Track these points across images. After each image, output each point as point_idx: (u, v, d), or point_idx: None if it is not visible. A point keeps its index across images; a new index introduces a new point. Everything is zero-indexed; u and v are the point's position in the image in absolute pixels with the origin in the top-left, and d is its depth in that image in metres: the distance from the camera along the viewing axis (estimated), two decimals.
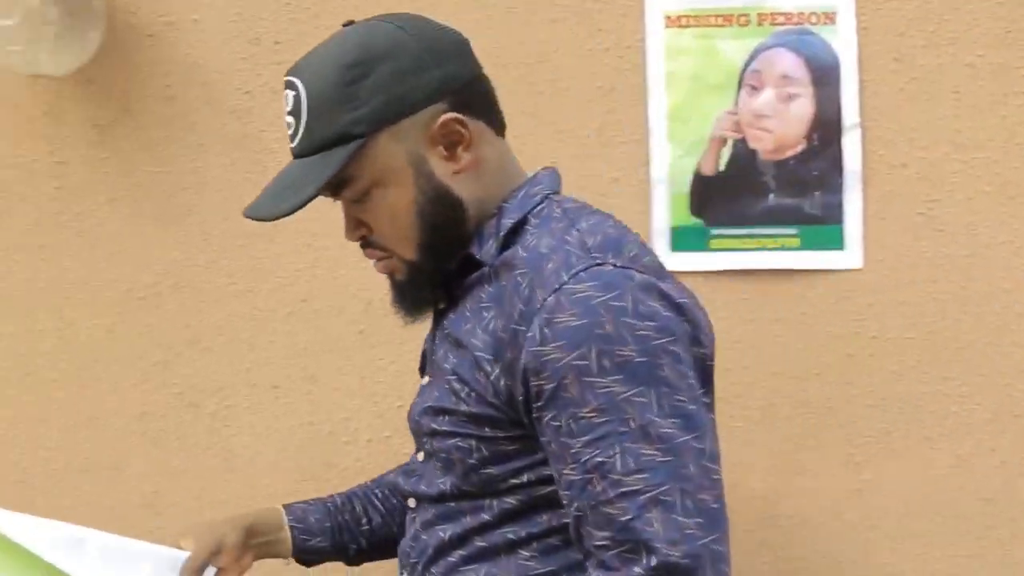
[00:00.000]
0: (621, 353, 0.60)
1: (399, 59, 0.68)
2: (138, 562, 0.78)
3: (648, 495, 0.58)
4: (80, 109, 1.19)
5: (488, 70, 0.77)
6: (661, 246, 1.09)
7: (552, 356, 0.60)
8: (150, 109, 1.18)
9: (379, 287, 1.08)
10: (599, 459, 0.59)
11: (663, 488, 0.59)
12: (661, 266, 0.69)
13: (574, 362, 0.60)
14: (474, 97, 0.72)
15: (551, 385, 0.60)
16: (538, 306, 0.62)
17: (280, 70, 1.13)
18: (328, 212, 0.84)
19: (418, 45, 0.69)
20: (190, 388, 1.18)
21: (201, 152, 1.16)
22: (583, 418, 0.60)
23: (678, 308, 0.64)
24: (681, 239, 1.09)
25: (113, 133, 1.19)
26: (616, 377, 0.60)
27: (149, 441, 1.19)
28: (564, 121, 1.12)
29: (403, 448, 1.13)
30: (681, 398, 0.61)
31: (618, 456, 0.59)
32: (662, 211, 1.10)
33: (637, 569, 0.59)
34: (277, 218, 0.73)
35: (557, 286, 0.62)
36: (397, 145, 0.69)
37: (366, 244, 0.75)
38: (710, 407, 0.66)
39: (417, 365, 0.87)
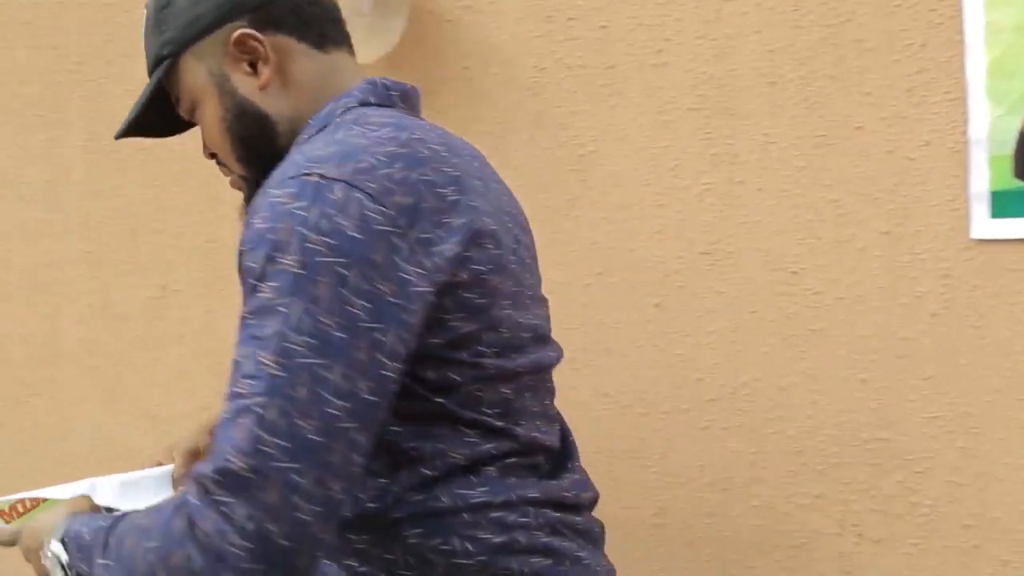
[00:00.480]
0: (282, 261, 0.73)
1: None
2: (143, 489, 1.01)
3: (245, 402, 0.71)
4: None
5: (784, 32, 1.10)
6: (980, 212, 1.33)
7: (241, 257, 0.77)
8: (449, 91, 1.61)
9: (676, 259, 1.46)
10: (236, 359, 0.74)
11: (260, 400, 0.71)
12: (408, 157, 0.81)
13: (248, 263, 0.76)
14: (278, 12, 0.91)
15: (243, 286, 0.77)
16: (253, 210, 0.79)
17: (574, 46, 1.53)
18: (619, 186, 1.20)
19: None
20: None
21: (500, 129, 1.58)
22: (243, 318, 0.75)
23: (374, 234, 0.74)
24: (1003, 204, 1.31)
25: None
26: (272, 284, 0.73)
27: None
28: (871, 83, 1.39)
29: (699, 421, 1.49)
30: (327, 321, 0.72)
31: (245, 359, 0.73)
32: (981, 174, 1.33)
33: (202, 469, 0.72)
34: (118, 138, 1.02)
35: (265, 191, 0.79)
36: (199, 64, 0.92)
37: (218, 163, 0.98)
38: (381, 345, 0.74)
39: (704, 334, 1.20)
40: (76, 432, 1.95)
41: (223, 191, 1.72)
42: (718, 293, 1.47)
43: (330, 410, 0.72)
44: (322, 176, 0.77)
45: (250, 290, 0.76)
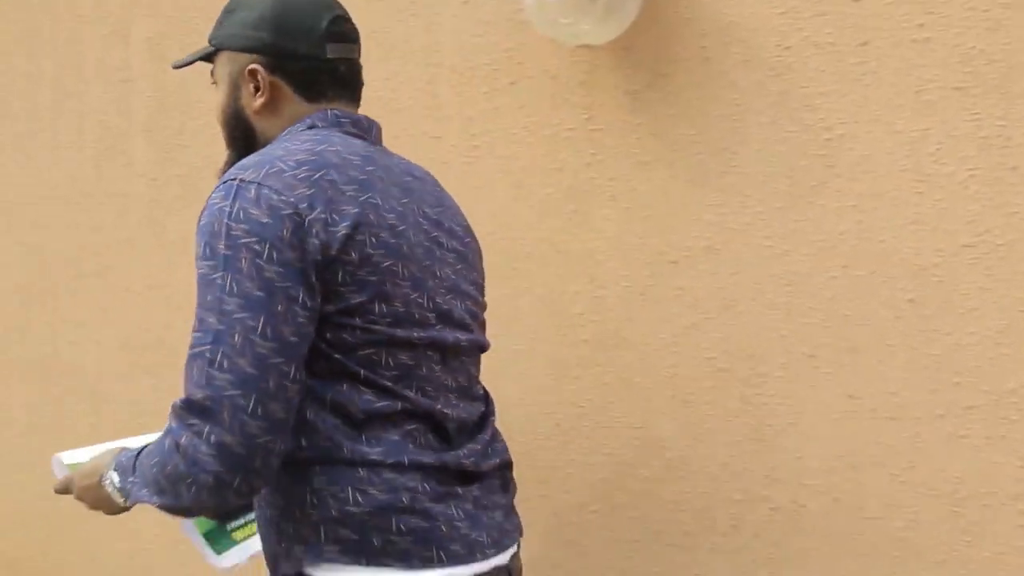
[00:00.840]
0: (216, 246, 1.02)
1: (250, 14, 1.20)
2: None
3: (197, 350, 1.01)
4: (614, 76, 1.60)
5: None
6: None
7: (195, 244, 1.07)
8: (684, 71, 1.54)
9: (934, 252, 1.33)
10: (193, 322, 1.03)
11: (208, 347, 1.00)
12: (313, 168, 1.07)
13: (196, 249, 1.05)
14: (289, 67, 1.20)
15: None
16: None
17: (823, 22, 1.43)
18: (870, 172, 1.10)
19: (271, 13, 1.19)
20: (721, 353, 1.53)
21: (739, 111, 1.49)
22: (197, 292, 1.04)
23: (280, 218, 1.03)
24: None
25: (646, 98, 1.58)
26: (210, 263, 1.02)
27: (678, 403, 1.58)
28: None
29: (956, 429, 1.37)
30: (249, 285, 1.00)
31: (196, 321, 1.02)
32: None
33: (175, 402, 1.03)
34: (174, 67, 1.37)
35: (211, 194, 1.08)
36: (228, 64, 1.23)
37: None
38: (292, 295, 1.02)
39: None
40: None
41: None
42: (983, 290, 1.35)
43: (260, 350, 1.00)
44: (242, 180, 1.06)
45: (198, 269, 1.05)
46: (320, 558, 1.07)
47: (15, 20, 2.55)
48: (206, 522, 1.29)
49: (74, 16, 2.39)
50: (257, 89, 1.22)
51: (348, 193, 1.09)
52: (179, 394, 1.04)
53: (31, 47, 2.52)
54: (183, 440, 1.01)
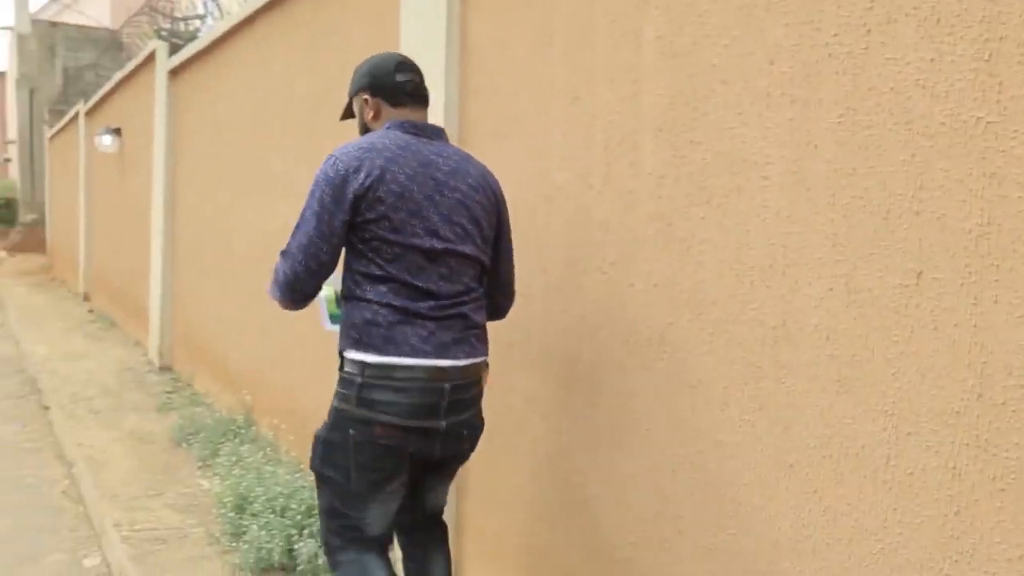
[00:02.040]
0: (314, 183, 2.18)
1: (359, 71, 2.39)
2: None
3: (294, 229, 2.20)
4: None
5: None
6: None
7: None
8: None
9: None
10: None
11: (296, 229, 2.18)
12: (365, 150, 2.17)
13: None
14: (380, 90, 2.33)
15: None
16: None
17: None
18: None
19: (366, 68, 2.36)
20: None
21: None
22: None
23: (336, 171, 2.14)
24: None
25: None
26: (310, 190, 2.18)
27: None
28: None
29: None
30: (316, 205, 2.15)
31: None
32: None
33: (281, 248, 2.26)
34: (341, 120, 2.62)
35: None
36: (356, 102, 2.41)
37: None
38: (334, 214, 2.14)
39: None
40: (802, 420, 1.89)
41: (1005, 167, 1.51)
42: None
43: (311, 236, 2.15)
44: (331, 154, 2.19)
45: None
46: (346, 346, 2.23)
47: (525, 29, 2.73)
48: (333, 307, 2.42)
49: (586, 21, 2.50)
50: (369, 110, 2.40)
51: (377, 163, 2.17)
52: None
53: (545, 54, 2.67)
54: (276, 267, 2.26)
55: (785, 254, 1.94)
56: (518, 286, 2.58)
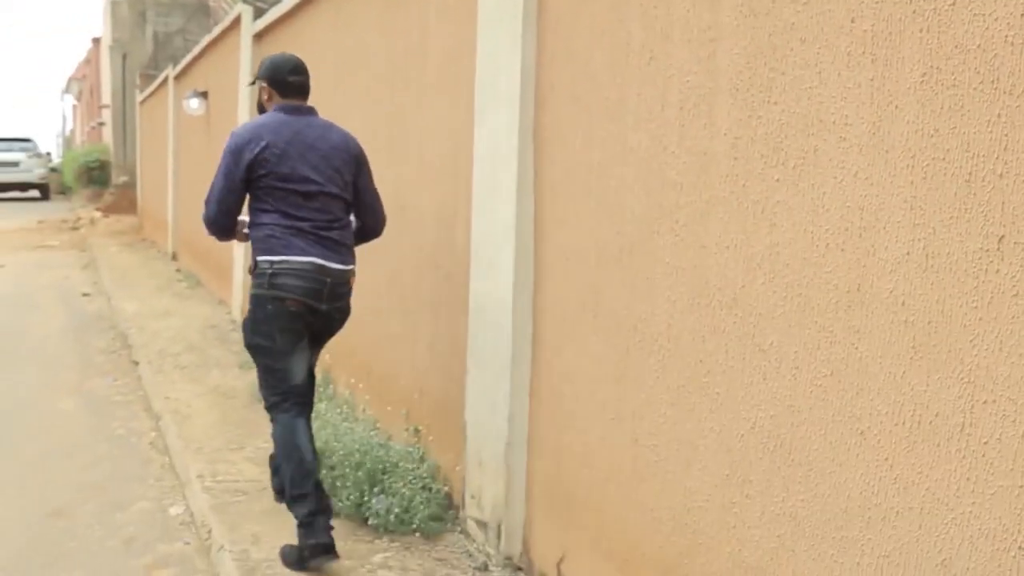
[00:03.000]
0: (223, 154, 3.40)
1: (264, 64, 3.57)
2: None
3: (211, 185, 3.46)
4: None
5: None
6: None
7: None
8: None
9: None
10: None
11: (213, 186, 3.45)
12: (255, 128, 3.38)
13: None
14: (276, 83, 3.50)
15: None
16: None
17: None
18: None
19: (271, 62, 3.56)
20: None
21: None
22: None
23: (236, 144, 3.34)
24: None
25: None
26: (221, 158, 3.41)
27: None
28: None
29: None
30: (222, 168, 3.38)
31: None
32: None
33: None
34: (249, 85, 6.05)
35: None
36: (259, 84, 3.58)
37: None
38: (235, 174, 3.36)
39: None
40: (874, 386, 1.86)
41: None
42: None
43: (221, 191, 3.40)
44: (233, 132, 3.45)
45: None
46: (257, 255, 3.34)
47: None
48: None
49: None
50: (265, 94, 3.52)
51: (264, 136, 3.29)
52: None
53: (622, 14, 2.65)
54: (203, 213, 3.52)
55: (862, 217, 1.90)
56: (591, 247, 2.67)
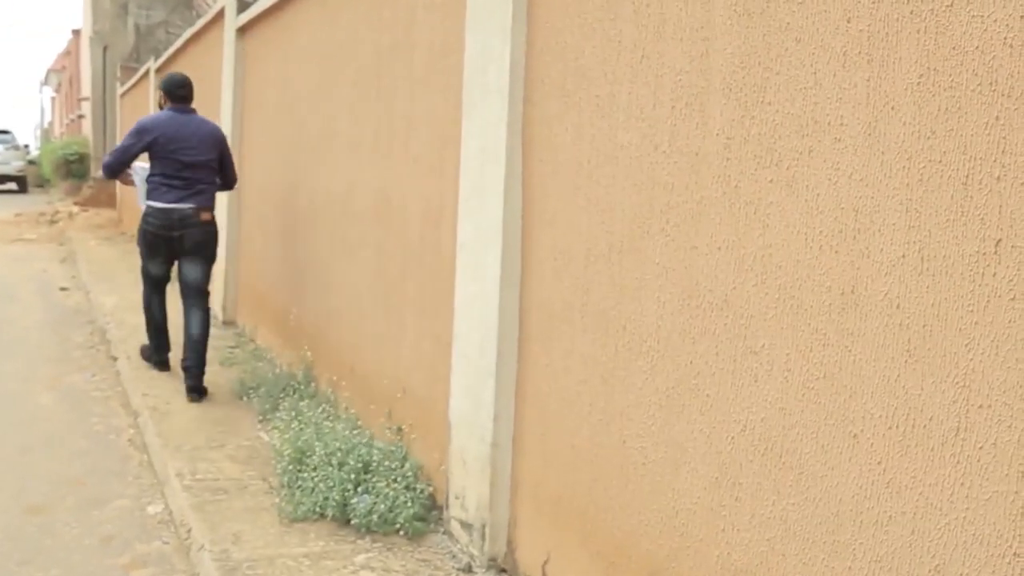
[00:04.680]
0: (130, 131, 5.62)
1: (163, 80, 5.85)
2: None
3: (119, 144, 5.78)
4: None
5: None
6: None
7: None
8: None
9: None
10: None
11: (120, 145, 5.71)
12: (153, 120, 5.61)
13: None
14: (167, 93, 5.70)
15: None
16: None
17: None
18: None
19: (168, 78, 5.82)
20: None
21: None
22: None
23: (140, 128, 5.55)
24: None
25: None
26: (128, 133, 5.65)
27: None
28: None
29: None
30: (127, 140, 5.57)
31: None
32: None
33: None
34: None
35: None
36: (159, 92, 5.91)
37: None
38: (135, 147, 5.55)
39: None
40: (867, 390, 1.85)
41: None
42: None
43: (121, 151, 5.58)
44: (140, 120, 5.71)
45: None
46: (145, 200, 5.55)
47: None
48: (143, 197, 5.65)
49: None
50: (161, 98, 5.75)
51: (157, 126, 5.48)
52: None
53: (614, 11, 2.63)
54: (105, 160, 5.72)
55: (856, 219, 1.88)
56: (580, 245, 2.68)
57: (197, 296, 5.55)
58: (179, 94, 5.66)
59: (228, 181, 5.83)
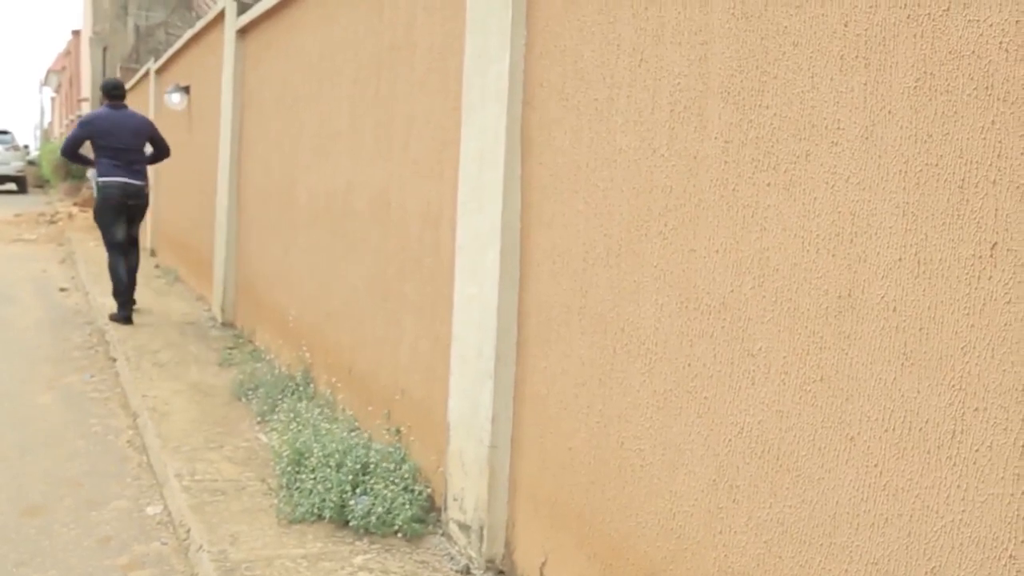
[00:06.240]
0: (77, 125, 8.07)
1: (101, 85, 8.35)
2: None
3: (68, 135, 8.20)
4: None
5: None
6: None
7: None
8: None
9: None
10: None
11: (69, 135, 8.05)
12: (94, 116, 8.00)
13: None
14: (105, 94, 8.02)
15: None
16: None
17: None
18: None
19: (104, 83, 8.25)
20: None
21: None
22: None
23: (83, 122, 7.96)
24: None
25: None
26: (75, 126, 8.13)
27: None
28: None
29: None
30: (74, 132, 7.90)
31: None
32: None
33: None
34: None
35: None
36: (100, 94, 8.31)
37: None
38: (80, 138, 7.90)
39: None
40: (864, 392, 1.85)
41: None
42: None
43: (72, 139, 7.89)
44: (83, 116, 8.94)
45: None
46: (96, 177, 7.89)
47: None
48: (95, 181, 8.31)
49: None
50: (102, 98, 8.03)
51: (96, 120, 7.83)
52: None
53: (612, 15, 2.63)
54: (62, 146, 8.22)
55: (853, 222, 1.89)
56: (578, 248, 2.68)
57: (133, 244, 8.04)
58: (114, 94, 7.94)
59: (160, 154, 8.19)
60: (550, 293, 2.95)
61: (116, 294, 7.79)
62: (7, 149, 27.88)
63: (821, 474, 1.95)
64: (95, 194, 7.78)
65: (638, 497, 2.52)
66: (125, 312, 7.71)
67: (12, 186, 27.96)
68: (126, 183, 7.66)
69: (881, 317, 1.83)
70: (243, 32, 7.54)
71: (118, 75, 18.58)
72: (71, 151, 7.91)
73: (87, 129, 7.75)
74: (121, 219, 7.74)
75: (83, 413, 5.50)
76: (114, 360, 6.68)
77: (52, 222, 17.38)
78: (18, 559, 3.52)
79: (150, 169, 8.34)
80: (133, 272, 7.87)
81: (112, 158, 7.61)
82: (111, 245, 7.77)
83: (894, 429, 1.80)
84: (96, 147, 7.63)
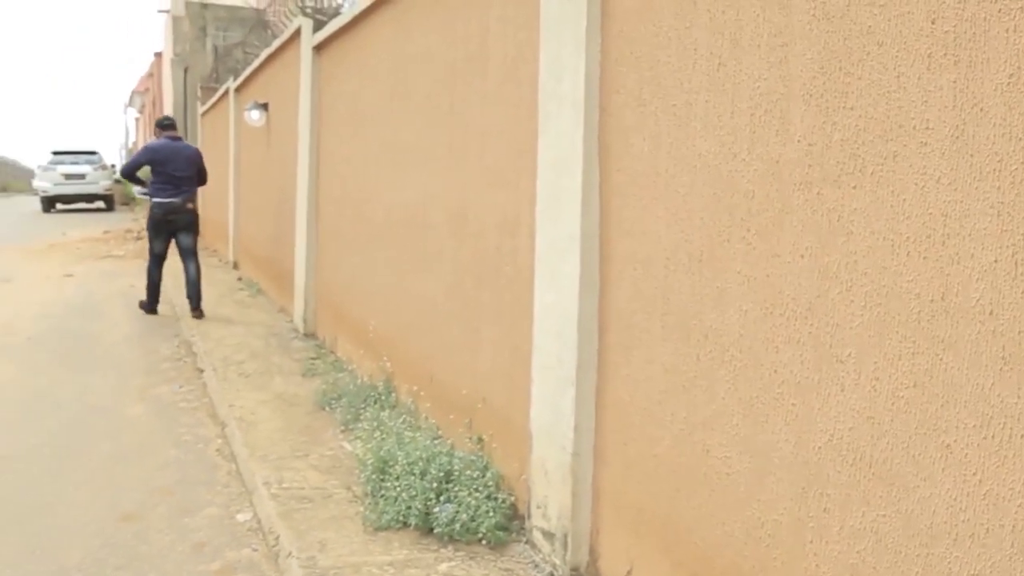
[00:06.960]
0: (140, 150, 10.05)
1: (156, 121, 9.73)
2: None
3: (131, 158, 11.84)
4: None
5: None
6: None
7: None
8: None
9: None
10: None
11: (131, 158, 10.21)
12: (155, 145, 9.17)
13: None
14: (160, 128, 9.40)
15: None
16: None
17: None
18: None
19: (159, 119, 9.60)
20: None
21: None
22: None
23: (146, 150, 9.21)
24: None
25: None
26: (139, 151, 10.49)
27: None
28: None
29: None
30: (137, 156, 9.43)
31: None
32: None
33: None
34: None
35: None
36: (156, 128, 9.76)
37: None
38: (140, 162, 9.27)
39: None
40: (960, 399, 1.80)
41: None
42: None
43: (134, 162, 9.37)
44: (146, 144, 9.86)
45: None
46: (151, 197, 9.11)
47: None
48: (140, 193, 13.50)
49: None
50: (156, 131, 9.33)
51: (160, 149, 8.96)
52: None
53: (688, 20, 2.61)
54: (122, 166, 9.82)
55: (945, 224, 1.83)
56: (659, 254, 2.67)
57: (190, 254, 8.97)
58: (167, 127, 9.24)
59: (203, 179, 9.28)
60: (631, 300, 2.93)
61: (148, 289, 9.36)
62: (95, 169, 28.77)
63: (916, 483, 1.90)
64: (150, 211, 9.14)
65: (725, 505, 2.48)
66: (151, 305, 9.46)
67: (101, 204, 28.87)
68: (169, 202, 8.86)
69: (977, 321, 1.77)
70: (319, 49, 7.67)
71: (199, 94, 19.07)
72: (130, 172, 9.22)
73: (148, 155, 8.95)
74: (163, 233, 8.99)
75: (173, 423, 5.64)
76: (201, 371, 6.84)
77: (139, 238, 17.88)
78: (117, 563, 3.62)
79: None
80: (196, 280, 8.94)
81: (165, 182, 8.81)
82: (152, 253, 9.14)
83: (993, 436, 1.74)
84: (154, 172, 8.88)
